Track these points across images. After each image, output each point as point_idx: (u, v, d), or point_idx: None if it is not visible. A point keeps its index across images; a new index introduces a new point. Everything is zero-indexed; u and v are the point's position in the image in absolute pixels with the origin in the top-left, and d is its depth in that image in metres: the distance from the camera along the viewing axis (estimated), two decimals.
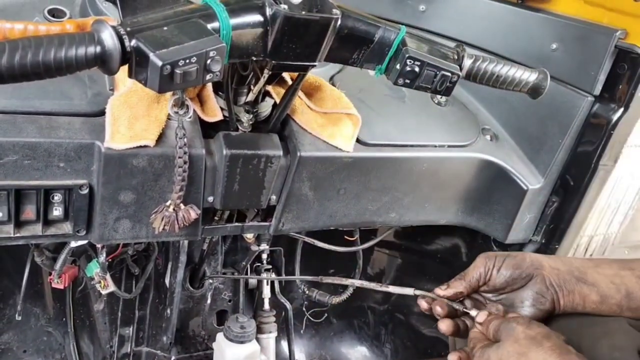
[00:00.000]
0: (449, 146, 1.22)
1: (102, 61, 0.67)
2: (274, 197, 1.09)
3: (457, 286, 0.94)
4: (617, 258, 0.97)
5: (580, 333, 0.85)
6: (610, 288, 0.89)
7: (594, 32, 1.17)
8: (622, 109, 1.17)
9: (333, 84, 1.22)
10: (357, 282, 1.14)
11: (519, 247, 1.38)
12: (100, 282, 1.24)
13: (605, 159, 1.22)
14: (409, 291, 1.00)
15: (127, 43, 0.67)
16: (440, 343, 1.65)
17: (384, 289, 1.05)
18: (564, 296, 0.90)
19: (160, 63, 0.66)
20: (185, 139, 0.90)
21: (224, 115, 1.01)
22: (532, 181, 1.26)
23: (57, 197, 0.92)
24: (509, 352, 0.78)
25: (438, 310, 0.94)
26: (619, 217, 3.82)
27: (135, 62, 0.69)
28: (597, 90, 1.18)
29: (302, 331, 1.81)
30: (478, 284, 0.94)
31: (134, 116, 0.92)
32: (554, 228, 1.31)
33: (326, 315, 1.83)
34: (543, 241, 1.34)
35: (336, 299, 1.63)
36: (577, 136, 1.22)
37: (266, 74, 0.90)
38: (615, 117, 1.17)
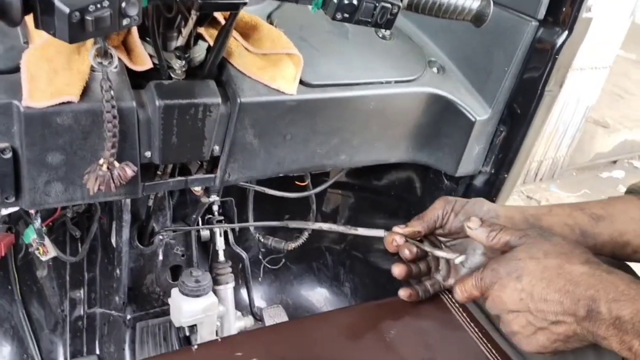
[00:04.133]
0: (396, 82, 1.18)
1: (0, 11, 0.60)
2: (217, 148, 1.04)
3: (416, 226, 0.96)
4: (569, 202, 0.98)
5: None
6: (565, 229, 0.91)
7: None
8: (566, 32, 1.15)
9: (271, 23, 1.15)
10: (325, 226, 1.11)
11: (470, 178, 1.38)
12: (38, 248, 1.18)
13: (550, 84, 1.20)
14: (379, 233, 0.99)
15: None
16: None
17: (352, 231, 1.04)
18: None
19: (67, 10, 0.59)
20: (111, 92, 0.84)
21: (154, 63, 0.93)
22: (480, 112, 1.24)
23: None
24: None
25: (406, 253, 0.95)
26: (566, 141, 3.94)
27: (40, 10, 0.61)
28: (541, 14, 1.15)
29: (260, 279, 1.81)
30: (435, 225, 0.96)
31: (53, 70, 0.84)
32: (503, 157, 1.31)
33: (284, 261, 1.82)
34: (492, 171, 1.34)
35: (292, 245, 1.61)
36: (523, 63, 1.20)
37: (194, 15, 0.83)
38: (559, 41, 1.15)
